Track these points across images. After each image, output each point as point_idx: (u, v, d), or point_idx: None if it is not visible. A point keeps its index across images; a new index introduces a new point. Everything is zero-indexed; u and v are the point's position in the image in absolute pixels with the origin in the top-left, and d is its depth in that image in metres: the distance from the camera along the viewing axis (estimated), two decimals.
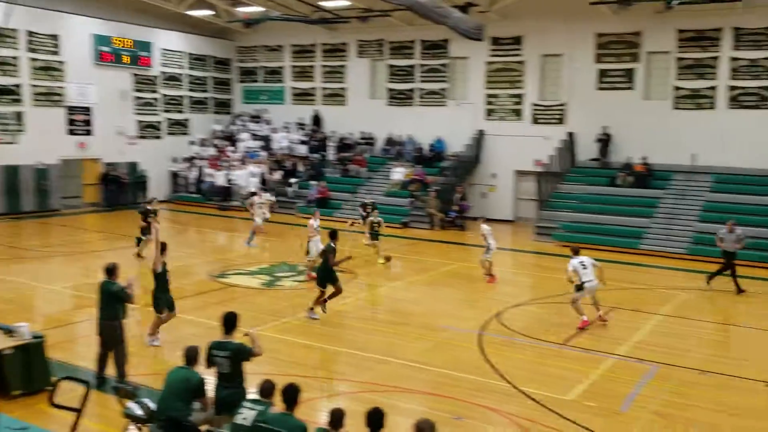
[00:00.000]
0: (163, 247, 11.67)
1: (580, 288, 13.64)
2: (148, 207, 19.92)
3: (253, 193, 25.51)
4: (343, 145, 33.18)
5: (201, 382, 7.46)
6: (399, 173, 29.89)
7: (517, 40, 29.35)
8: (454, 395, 9.96)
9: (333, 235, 14.01)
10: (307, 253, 17.63)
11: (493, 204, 30.14)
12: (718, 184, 24.75)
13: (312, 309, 13.91)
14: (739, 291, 16.81)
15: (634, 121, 26.84)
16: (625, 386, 10.71)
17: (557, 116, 28.80)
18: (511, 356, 12.03)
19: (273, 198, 26.84)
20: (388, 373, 11.13)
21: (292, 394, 6.64)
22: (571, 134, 28.25)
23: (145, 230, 19.02)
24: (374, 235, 20.46)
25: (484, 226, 18.15)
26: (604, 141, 27.32)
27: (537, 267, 21.65)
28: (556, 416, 9.53)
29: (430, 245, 24.40)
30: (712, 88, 25.73)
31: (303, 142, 33.81)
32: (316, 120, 34.77)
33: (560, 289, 17.34)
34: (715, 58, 25.64)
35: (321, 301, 13.83)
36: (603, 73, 27.71)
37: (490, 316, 14.46)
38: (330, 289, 13.89)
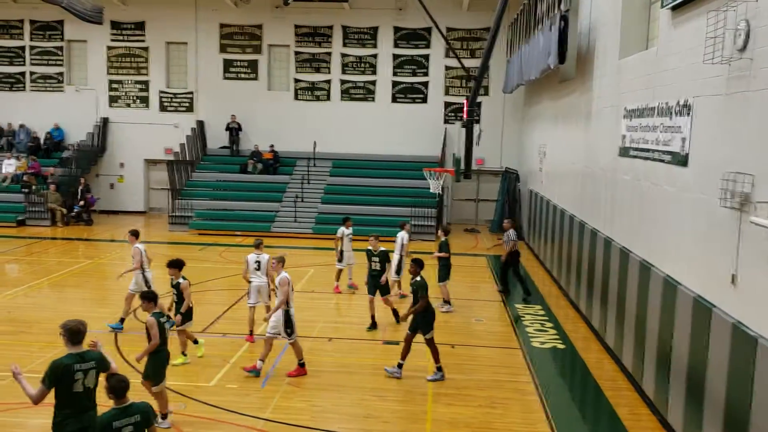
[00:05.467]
0: None
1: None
2: None
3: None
4: None
5: None
6: (10, 165, 26.65)
7: (139, 26, 28.28)
8: None
9: None
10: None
11: (123, 195, 28.84)
12: (336, 168, 27.26)
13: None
14: (504, 290, 16.67)
15: (260, 110, 27.98)
16: (264, 364, 11.22)
17: (186, 104, 28.58)
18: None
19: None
20: (9, 389, 9.95)
21: None
22: (200, 122, 28.31)
23: None
24: None
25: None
26: (234, 129, 27.98)
27: (171, 257, 21.28)
28: (199, 404, 9.63)
29: (53, 244, 22.36)
30: (327, 81, 28.09)
31: None
32: None
33: (198, 277, 17.46)
34: (328, 53, 28.01)
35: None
36: (229, 63, 28.28)
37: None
38: None
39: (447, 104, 27.83)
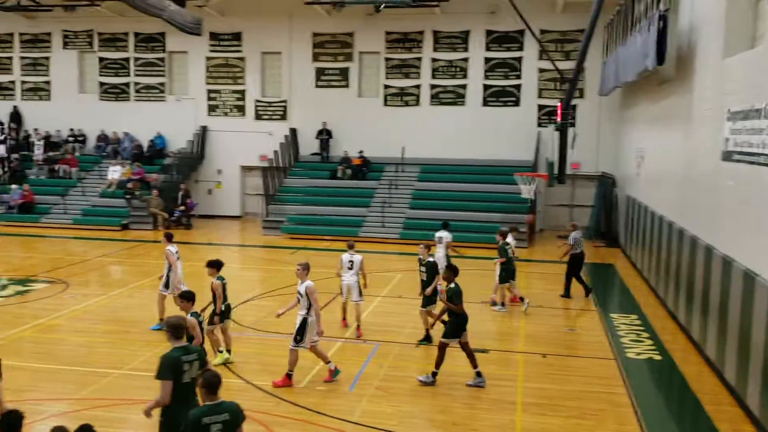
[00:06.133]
0: None
1: None
2: None
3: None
4: (50, 144, 30.30)
5: None
6: (116, 172, 28.12)
7: (236, 36, 29.28)
8: None
9: None
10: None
11: (220, 200, 29.86)
12: (423, 173, 27.26)
13: None
14: (566, 292, 16.53)
15: (350, 117, 28.35)
16: (352, 367, 11.35)
17: (279, 112, 29.33)
18: (242, 351, 12.01)
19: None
20: (113, 385, 10.49)
21: (12, 422, 5.81)
22: (293, 130, 28.97)
23: None
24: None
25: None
26: (324, 137, 28.48)
27: (266, 261, 21.90)
28: (288, 404, 9.80)
29: (155, 247, 23.32)
30: (417, 86, 28.17)
31: (0, 142, 30.15)
32: (16, 117, 31.26)
33: (288, 280, 17.80)
34: (419, 58, 28.08)
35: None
36: (321, 71, 28.82)
37: None
38: None
39: (540, 107, 27.34)
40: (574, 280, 16.52)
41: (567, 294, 16.53)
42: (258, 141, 28.84)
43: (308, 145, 29.01)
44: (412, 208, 25.62)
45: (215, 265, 11.32)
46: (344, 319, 13.70)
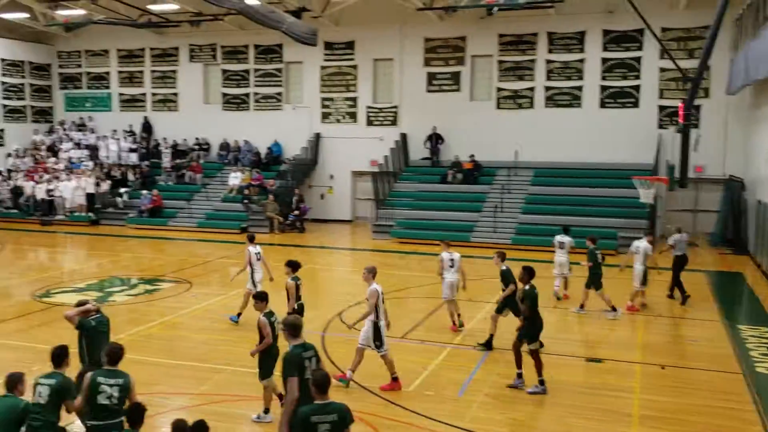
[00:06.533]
0: None
1: None
2: None
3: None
4: (177, 152, 32.10)
5: (26, 409, 6.79)
6: (236, 178, 29.39)
7: (349, 45, 29.86)
8: None
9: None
10: None
11: (331, 205, 30.50)
12: (537, 177, 26.69)
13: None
14: (684, 299, 15.93)
15: (461, 121, 28.20)
16: (460, 373, 11.25)
17: (390, 118, 29.63)
18: (353, 354, 12.17)
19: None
20: (229, 382, 10.91)
21: (137, 414, 6.25)
22: (403, 135, 29.18)
23: None
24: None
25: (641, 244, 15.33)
26: (435, 141, 28.49)
27: (376, 264, 22.04)
28: (398, 408, 9.82)
29: (270, 249, 24.02)
30: (531, 88, 27.65)
31: (133, 150, 32.29)
32: (147, 127, 33.34)
33: (399, 284, 17.94)
34: (533, 60, 27.57)
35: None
36: (432, 76, 28.88)
37: (332, 316, 14.63)
38: None
39: (661, 108, 26.13)
40: (679, 281, 16.02)
41: (684, 301, 15.78)
42: (369, 146, 29.25)
43: (418, 150, 29.12)
44: (524, 212, 25.13)
45: (292, 265, 11.71)
46: (453, 323, 13.65)
